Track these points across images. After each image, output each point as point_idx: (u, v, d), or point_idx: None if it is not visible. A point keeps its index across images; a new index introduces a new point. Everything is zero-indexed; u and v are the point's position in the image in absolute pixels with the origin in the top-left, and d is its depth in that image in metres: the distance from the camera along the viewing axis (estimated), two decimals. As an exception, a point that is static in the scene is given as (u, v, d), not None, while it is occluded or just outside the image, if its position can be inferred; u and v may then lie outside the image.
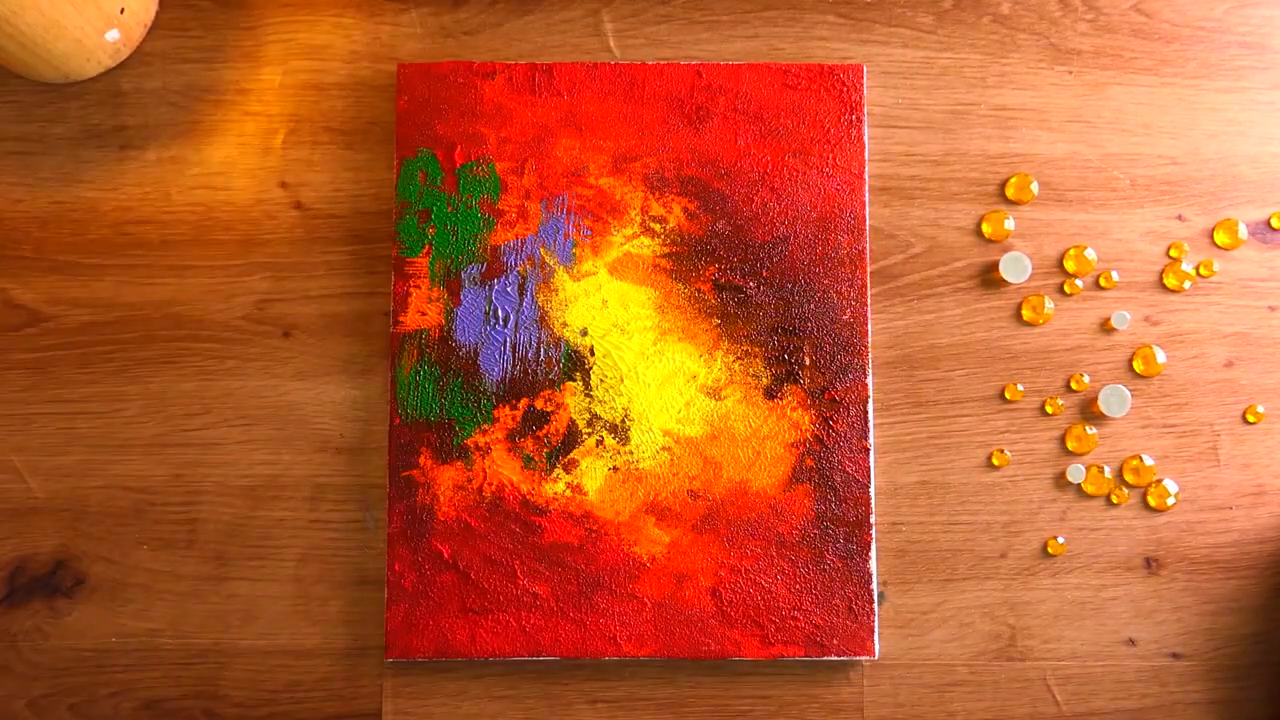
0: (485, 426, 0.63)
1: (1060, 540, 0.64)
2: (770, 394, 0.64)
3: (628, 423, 0.64)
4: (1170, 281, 0.66)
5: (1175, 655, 0.64)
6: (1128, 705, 0.64)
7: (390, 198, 0.66)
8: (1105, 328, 0.66)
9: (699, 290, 0.64)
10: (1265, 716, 0.64)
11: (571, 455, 0.63)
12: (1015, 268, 0.65)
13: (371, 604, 0.64)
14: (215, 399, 0.65)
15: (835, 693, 0.63)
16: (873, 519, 0.63)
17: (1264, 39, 0.67)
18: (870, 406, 0.64)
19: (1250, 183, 0.67)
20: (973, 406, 0.65)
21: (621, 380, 0.64)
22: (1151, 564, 0.64)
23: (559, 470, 0.63)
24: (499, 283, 0.64)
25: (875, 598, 0.63)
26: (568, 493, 0.63)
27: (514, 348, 0.64)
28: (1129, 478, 0.65)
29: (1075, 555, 0.65)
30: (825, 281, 0.64)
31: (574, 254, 0.65)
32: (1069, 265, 0.66)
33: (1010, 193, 0.66)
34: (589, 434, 0.64)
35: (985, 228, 0.66)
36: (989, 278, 0.66)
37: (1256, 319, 0.66)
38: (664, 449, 0.63)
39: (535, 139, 0.65)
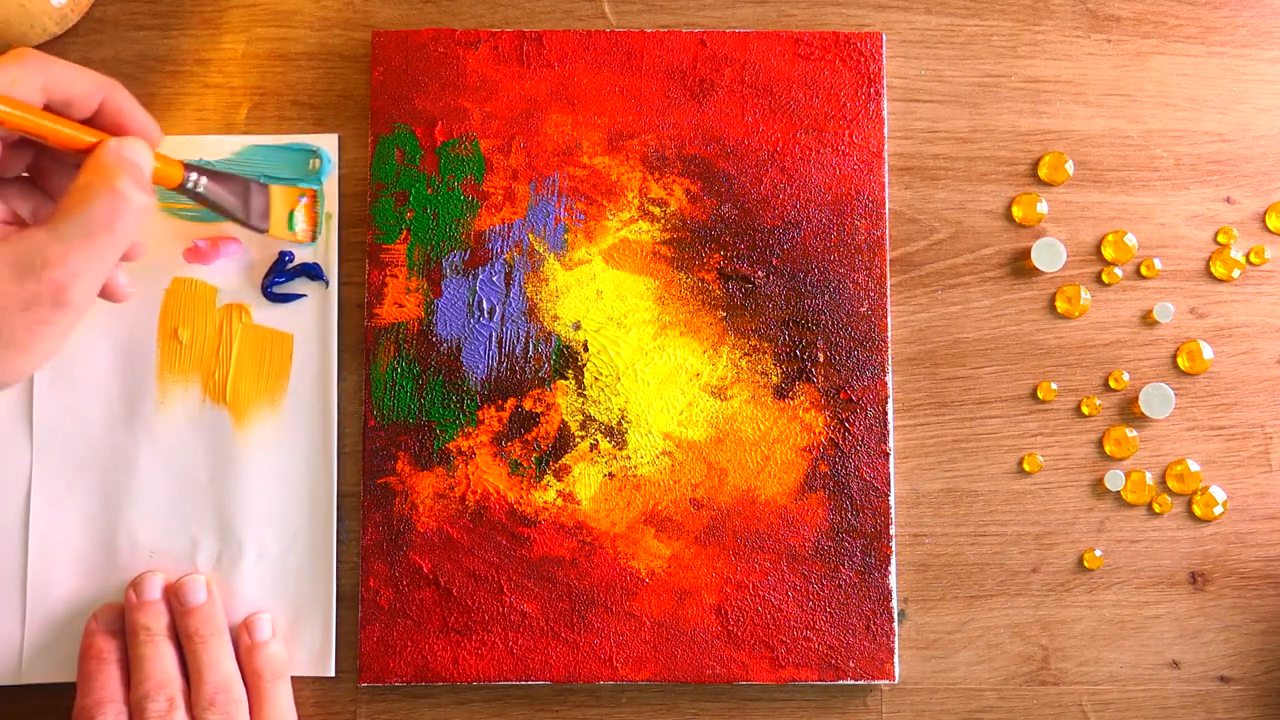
0: (469, 429, 0.60)
1: (1098, 553, 0.62)
2: (780, 394, 0.61)
3: (625, 425, 0.61)
4: (1218, 270, 0.63)
5: (1223, 679, 0.62)
6: (1171, 733, 0.61)
7: (364, 178, 0.63)
8: (1147, 320, 0.63)
9: (703, 280, 0.61)
10: (1321, 746, 0.61)
11: (563, 460, 0.60)
12: (1048, 255, 0.63)
13: (344, 623, 0.61)
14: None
15: (852, 719, 0.61)
16: (892, 530, 0.60)
17: (1321, 4, 0.64)
18: (890, 407, 0.61)
19: (1306, 162, 0.64)
20: (1002, 407, 0.63)
21: (618, 379, 0.61)
22: (1197, 579, 0.62)
23: (549, 477, 0.60)
24: (484, 272, 0.61)
25: (895, 616, 0.60)
26: (559, 501, 0.60)
27: (500, 343, 0.61)
28: (1173, 485, 0.62)
29: (1114, 569, 0.62)
30: (841, 270, 0.61)
31: (566, 240, 0.61)
32: (1107, 252, 0.63)
33: (1043, 173, 0.63)
34: (582, 437, 0.60)
35: (1016, 211, 0.63)
36: (1020, 266, 0.63)
37: (1312, 311, 0.63)
38: (664, 454, 0.60)
39: (523, 114, 0.62)
